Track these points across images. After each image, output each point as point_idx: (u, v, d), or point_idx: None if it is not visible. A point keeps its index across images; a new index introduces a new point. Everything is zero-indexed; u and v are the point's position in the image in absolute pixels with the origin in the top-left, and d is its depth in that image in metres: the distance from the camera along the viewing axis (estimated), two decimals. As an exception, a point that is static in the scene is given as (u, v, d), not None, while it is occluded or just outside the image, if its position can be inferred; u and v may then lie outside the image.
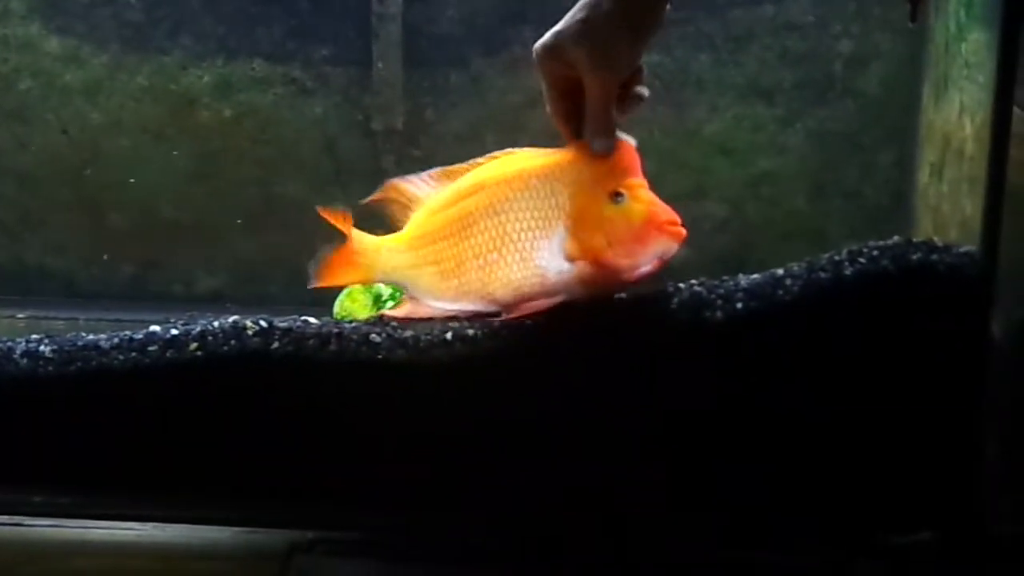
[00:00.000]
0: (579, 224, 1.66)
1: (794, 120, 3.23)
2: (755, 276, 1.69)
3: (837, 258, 1.65)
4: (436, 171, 1.83)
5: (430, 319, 1.76)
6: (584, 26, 1.61)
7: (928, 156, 2.85)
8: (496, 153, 1.78)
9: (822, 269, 1.64)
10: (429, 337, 1.68)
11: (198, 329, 1.72)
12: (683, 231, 1.65)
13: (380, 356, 1.67)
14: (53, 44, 3.24)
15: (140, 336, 1.73)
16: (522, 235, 1.69)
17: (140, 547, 1.73)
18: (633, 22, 1.62)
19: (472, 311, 1.75)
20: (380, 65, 3.17)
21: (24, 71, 3.24)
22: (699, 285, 1.69)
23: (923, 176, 2.90)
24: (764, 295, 1.63)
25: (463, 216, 1.74)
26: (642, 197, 1.67)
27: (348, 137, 3.25)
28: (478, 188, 1.74)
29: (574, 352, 1.66)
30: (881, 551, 1.67)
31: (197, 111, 3.25)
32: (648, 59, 3.26)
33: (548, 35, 1.66)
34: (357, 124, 3.24)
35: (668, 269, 1.68)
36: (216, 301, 3.23)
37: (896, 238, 1.66)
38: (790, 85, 3.22)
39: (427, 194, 1.81)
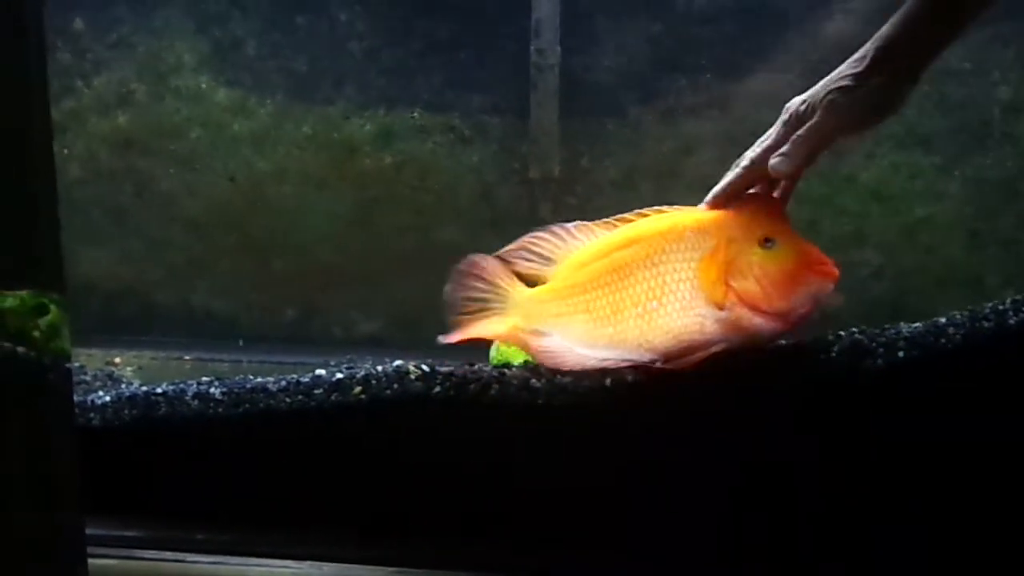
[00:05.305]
0: (732, 271, 1.68)
1: (951, 167, 3.19)
2: (916, 325, 1.67)
3: (1001, 307, 1.62)
4: (577, 224, 1.85)
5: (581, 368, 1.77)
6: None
7: (1089, 204, 2.80)
8: (643, 210, 1.81)
9: (985, 318, 1.62)
10: (588, 383, 1.70)
11: (362, 373, 1.75)
12: (835, 271, 1.66)
13: (540, 401, 1.68)
14: (221, 95, 3.34)
15: (306, 379, 1.77)
16: (681, 285, 1.71)
17: (297, 584, 1.75)
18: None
19: (623, 359, 1.74)
20: (537, 114, 3.21)
21: (194, 121, 3.35)
22: (859, 333, 1.68)
23: (1084, 224, 2.85)
24: (926, 344, 1.62)
25: (618, 267, 1.76)
26: (793, 241, 1.69)
27: (505, 185, 3.29)
28: (632, 241, 1.77)
29: (739, 400, 1.66)
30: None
31: (359, 159, 3.32)
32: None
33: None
34: (514, 172, 3.28)
35: (824, 316, 1.67)
36: (376, 345, 3.28)
37: (1062, 288, 1.64)
38: (947, 132, 3.18)
39: (566, 248, 1.83)
